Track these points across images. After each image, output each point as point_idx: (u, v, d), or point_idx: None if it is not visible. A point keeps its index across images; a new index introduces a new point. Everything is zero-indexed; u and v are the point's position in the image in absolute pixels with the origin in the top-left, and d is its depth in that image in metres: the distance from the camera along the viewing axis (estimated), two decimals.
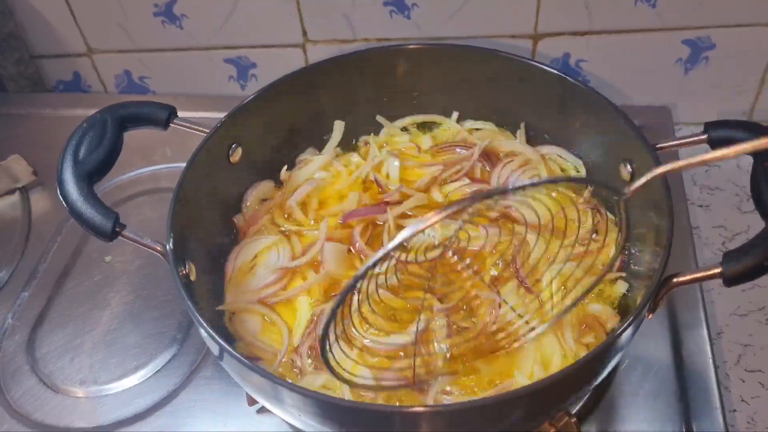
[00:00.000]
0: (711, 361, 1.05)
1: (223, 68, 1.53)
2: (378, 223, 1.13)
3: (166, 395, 1.09)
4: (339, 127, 1.25)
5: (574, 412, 1.00)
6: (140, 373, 1.12)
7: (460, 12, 1.36)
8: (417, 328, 0.94)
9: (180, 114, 1.06)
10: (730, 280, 0.82)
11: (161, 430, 1.05)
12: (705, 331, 1.09)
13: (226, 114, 1.10)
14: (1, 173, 1.40)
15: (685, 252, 1.17)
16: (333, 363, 0.78)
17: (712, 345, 1.07)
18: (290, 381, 0.94)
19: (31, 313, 1.21)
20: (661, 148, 0.99)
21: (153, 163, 1.42)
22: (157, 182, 1.40)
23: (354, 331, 0.90)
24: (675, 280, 0.85)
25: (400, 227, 1.09)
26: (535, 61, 1.15)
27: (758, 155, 0.90)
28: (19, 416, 1.09)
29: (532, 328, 0.92)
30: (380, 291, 0.91)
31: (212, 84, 1.56)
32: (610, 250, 1.03)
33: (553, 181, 1.08)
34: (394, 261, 0.93)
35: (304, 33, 1.44)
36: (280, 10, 1.41)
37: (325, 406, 0.82)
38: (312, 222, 1.15)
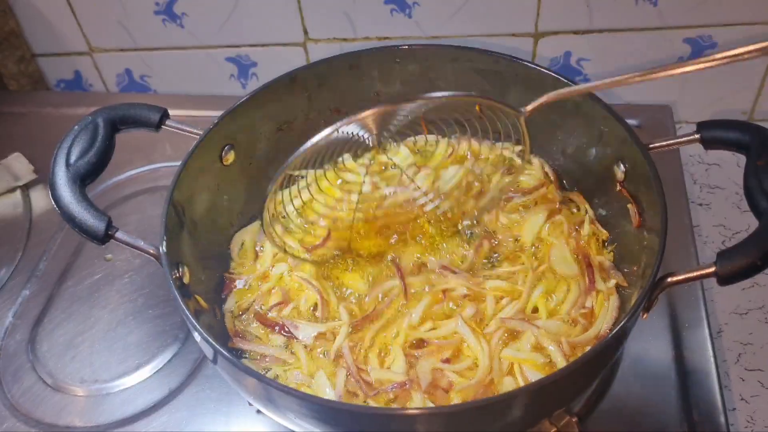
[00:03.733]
0: (712, 360, 1.05)
1: (224, 67, 1.53)
2: None
3: (167, 394, 1.09)
4: None
5: (574, 411, 1.00)
6: (141, 371, 1.12)
7: (460, 11, 1.36)
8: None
9: (181, 113, 1.06)
10: (724, 279, 0.82)
11: (162, 429, 1.05)
12: (706, 330, 1.08)
13: (218, 115, 1.09)
14: (2, 171, 1.40)
15: (685, 251, 1.17)
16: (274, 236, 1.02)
17: (713, 344, 1.07)
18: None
19: (31, 311, 1.22)
20: (655, 147, 0.98)
21: (153, 161, 1.42)
22: (157, 180, 1.40)
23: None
24: (669, 279, 0.85)
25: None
26: (525, 61, 1.13)
27: (751, 154, 0.90)
28: (19, 415, 1.09)
29: None
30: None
31: (213, 83, 1.56)
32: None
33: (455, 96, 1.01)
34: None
35: (305, 32, 1.44)
36: (281, 8, 1.41)
37: (320, 409, 0.81)
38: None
